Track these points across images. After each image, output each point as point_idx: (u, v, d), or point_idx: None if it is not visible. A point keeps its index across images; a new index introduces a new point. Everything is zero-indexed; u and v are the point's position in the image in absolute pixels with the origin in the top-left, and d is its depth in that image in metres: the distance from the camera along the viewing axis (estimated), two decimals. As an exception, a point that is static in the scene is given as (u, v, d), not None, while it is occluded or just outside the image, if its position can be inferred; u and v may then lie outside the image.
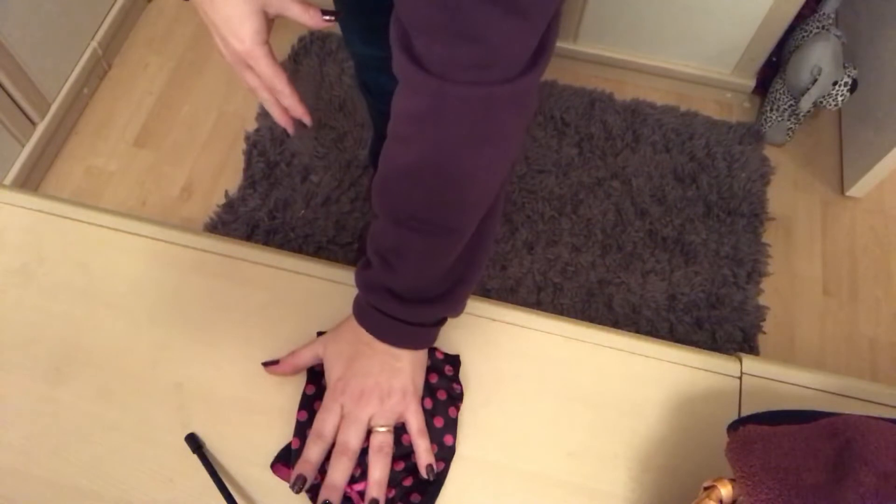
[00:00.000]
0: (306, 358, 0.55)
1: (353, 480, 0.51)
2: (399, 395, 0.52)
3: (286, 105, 0.59)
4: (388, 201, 0.49)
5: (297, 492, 0.49)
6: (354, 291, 0.53)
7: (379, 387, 0.52)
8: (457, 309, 0.55)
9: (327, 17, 0.55)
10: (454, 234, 0.49)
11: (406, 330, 0.51)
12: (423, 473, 0.52)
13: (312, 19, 0.54)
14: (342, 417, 0.52)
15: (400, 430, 0.54)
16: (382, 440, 0.52)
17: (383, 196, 0.50)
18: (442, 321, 0.54)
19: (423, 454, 0.52)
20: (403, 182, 0.48)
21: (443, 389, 0.56)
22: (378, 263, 0.51)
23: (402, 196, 0.48)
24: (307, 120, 0.59)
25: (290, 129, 0.60)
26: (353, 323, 0.53)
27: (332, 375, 0.53)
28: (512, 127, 0.45)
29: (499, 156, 0.47)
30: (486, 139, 0.45)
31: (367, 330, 0.52)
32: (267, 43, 0.55)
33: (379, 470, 0.51)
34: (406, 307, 0.51)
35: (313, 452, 0.51)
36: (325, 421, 0.52)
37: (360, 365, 0.52)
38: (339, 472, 0.50)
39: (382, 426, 0.52)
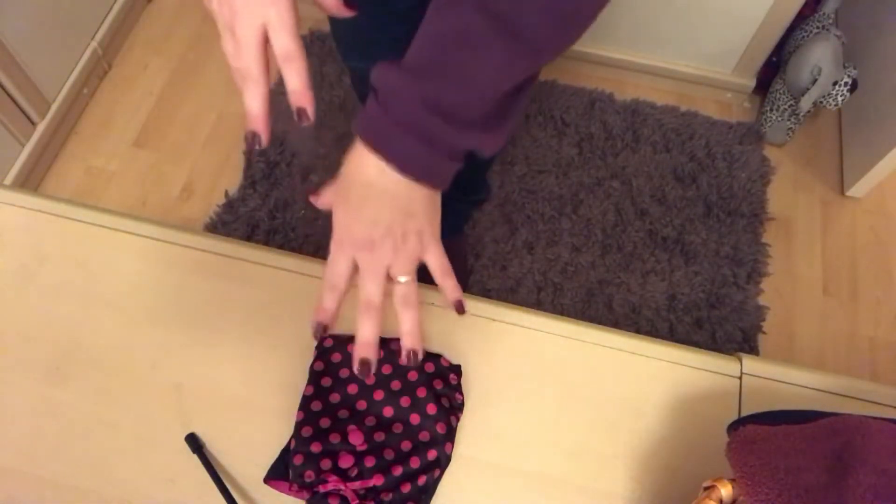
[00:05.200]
0: (325, 201, 0.52)
1: (351, 479, 0.51)
2: (415, 238, 0.48)
3: (295, 86, 0.45)
4: None
5: (318, 338, 0.50)
6: (354, 291, 0.52)
7: (391, 233, 0.47)
8: (497, 142, 0.47)
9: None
10: (538, 51, 0.42)
11: (435, 156, 0.44)
12: (454, 308, 0.52)
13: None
14: (358, 271, 0.49)
15: (401, 435, 0.54)
16: (406, 291, 0.49)
17: None
18: (461, 157, 0.46)
19: (451, 291, 0.51)
20: None
21: (446, 397, 0.56)
22: (424, 66, 0.42)
23: None
24: (311, 110, 0.46)
25: (265, 138, 0.47)
26: (360, 159, 0.46)
27: (336, 223, 0.49)
28: None
29: None
30: None
31: (385, 156, 0.44)
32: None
33: (409, 321, 0.49)
34: (445, 125, 0.43)
35: (328, 300, 0.49)
36: (335, 270, 0.49)
37: (367, 212, 0.47)
38: (370, 328, 0.48)
39: (403, 276, 0.49)
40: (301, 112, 0.45)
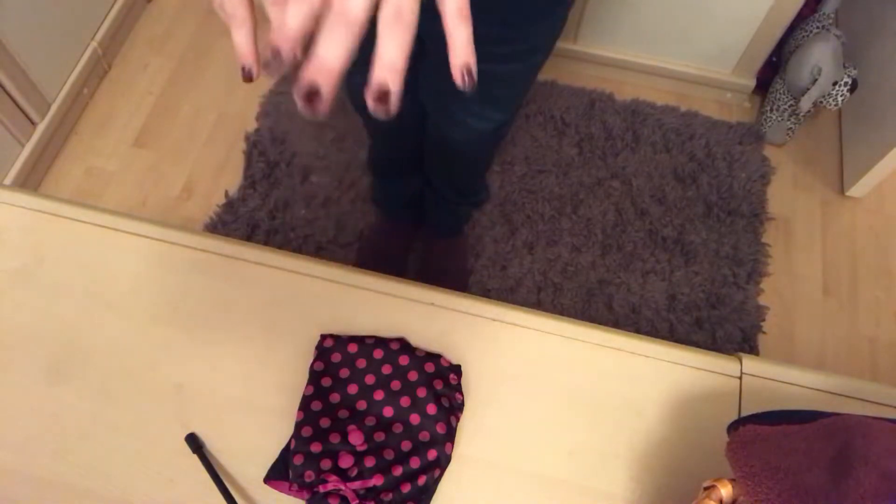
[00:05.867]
0: None
1: (351, 479, 0.51)
2: None
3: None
4: None
5: (273, 72, 0.34)
6: (354, 291, 0.52)
7: None
8: None
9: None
10: None
11: None
12: (458, 79, 0.35)
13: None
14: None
15: (401, 435, 0.54)
16: (400, 3, 0.33)
17: None
18: None
19: (460, 48, 0.35)
20: None
21: (446, 397, 0.56)
22: None
23: None
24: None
25: (256, 70, 0.40)
26: None
27: None
28: None
29: None
30: None
31: None
32: None
33: (393, 47, 0.33)
34: None
35: (293, 13, 0.33)
36: None
37: None
38: (333, 47, 0.32)
39: None
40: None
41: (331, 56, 0.33)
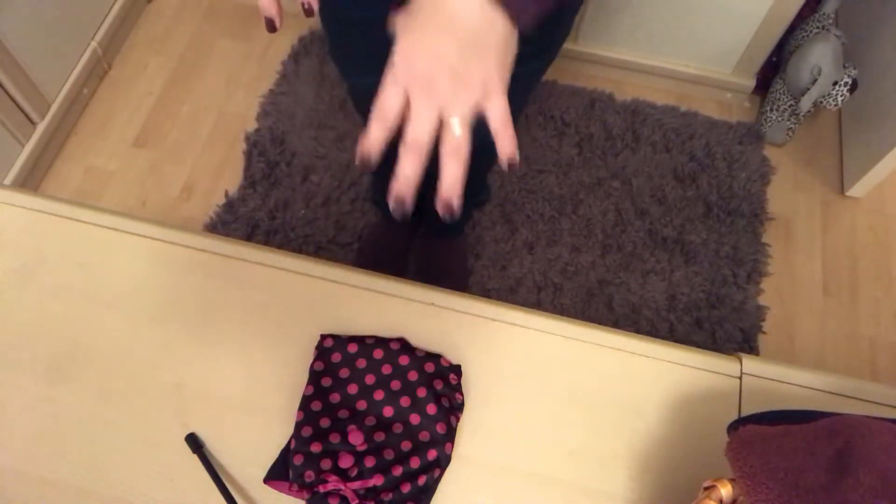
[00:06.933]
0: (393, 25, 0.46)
1: (351, 479, 0.51)
2: (479, 83, 0.43)
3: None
4: None
5: (362, 170, 0.45)
6: (354, 291, 0.52)
7: (455, 74, 0.42)
8: None
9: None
10: None
11: None
12: (506, 166, 0.45)
13: None
14: (409, 106, 0.43)
15: (401, 435, 0.54)
16: (458, 141, 0.43)
17: None
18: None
19: (507, 144, 0.45)
20: None
21: (446, 397, 0.56)
22: None
23: None
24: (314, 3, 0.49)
25: (279, 20, 0.49)
26: None
27: (397, 51, 0.44)
28: None
29: None
30: None
31: None
32: None
33: (453, 173, 0.43)
34: None
35: (376, 129, 0.43)
36: (386, 103, 0.43)
37: (434, 43, 0.42)
38: (410, 166, 0.43)
39: (457, 122, 0.43)
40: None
41: (409, 172, 0.43)
